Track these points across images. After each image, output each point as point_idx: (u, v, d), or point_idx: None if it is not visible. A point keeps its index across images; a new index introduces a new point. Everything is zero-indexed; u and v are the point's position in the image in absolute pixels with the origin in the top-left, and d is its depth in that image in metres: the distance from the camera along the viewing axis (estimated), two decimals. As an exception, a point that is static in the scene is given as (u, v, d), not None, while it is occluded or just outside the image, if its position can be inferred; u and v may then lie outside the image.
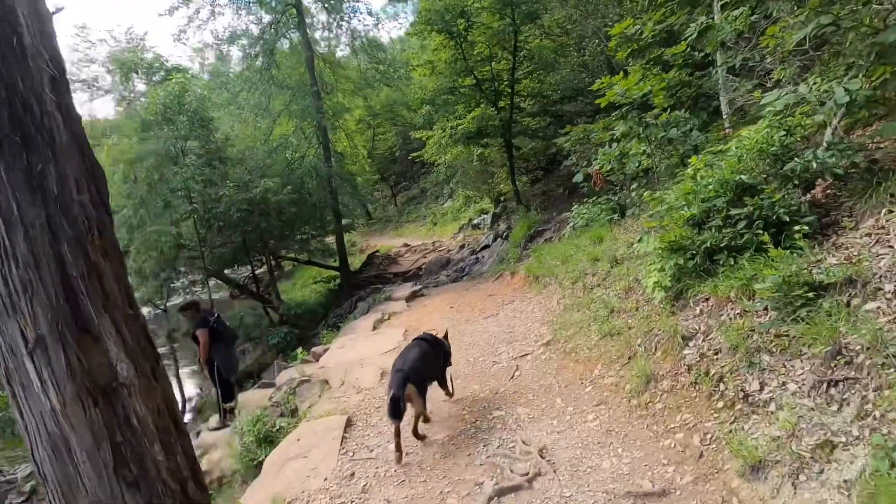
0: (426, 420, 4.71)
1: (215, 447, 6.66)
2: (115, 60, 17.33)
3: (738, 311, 3.91)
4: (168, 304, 12.52)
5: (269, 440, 5.75)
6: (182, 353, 13.39)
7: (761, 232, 4.08)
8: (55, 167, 1.66)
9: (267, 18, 15.65)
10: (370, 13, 25.37)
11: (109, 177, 12.86)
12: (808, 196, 4.52)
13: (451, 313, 8.99)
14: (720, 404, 3.44)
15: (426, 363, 4.68)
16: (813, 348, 3.07)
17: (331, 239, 16.50)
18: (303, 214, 14.34)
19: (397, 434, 4.21)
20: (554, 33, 14.34)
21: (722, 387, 3.51)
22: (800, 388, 2.98)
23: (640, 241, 5.97)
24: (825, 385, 2.82)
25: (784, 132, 4.60)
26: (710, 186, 4.64)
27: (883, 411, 2.52)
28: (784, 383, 3.10)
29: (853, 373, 2.75)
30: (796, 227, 3.83)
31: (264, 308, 14.58)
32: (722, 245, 4.38)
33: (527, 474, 3.55)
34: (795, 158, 4.46)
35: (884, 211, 3.66)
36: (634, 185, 7.69)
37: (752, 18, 6.38)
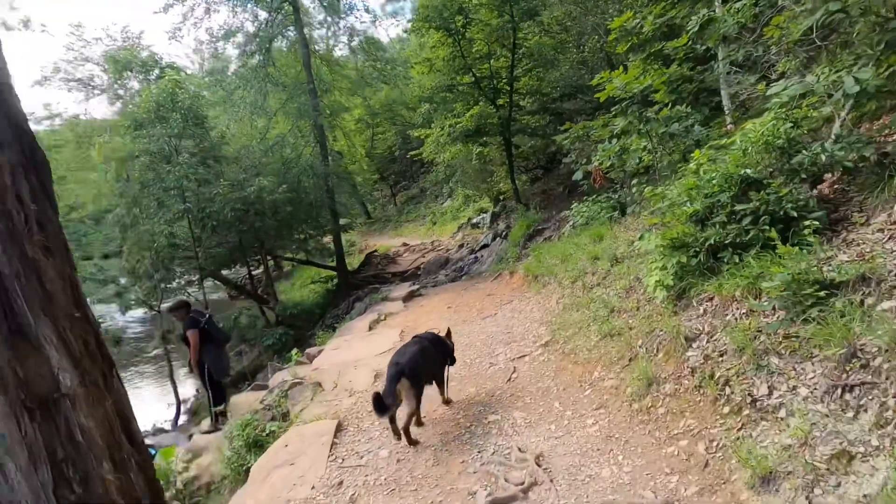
0: (419, 423, 4.54)
1: (206, 451, 6.50)
2: (108, 58, 17.15)
3: (744, 311, 3.73)
4: (163, 304, 12.32)
5: (259, 445, 5.57)
6: (177, 355, 13.22)
7: (768, 228, 3.90)
8: (-17, 155, 1.48)
9: (263, 15, 15.49)
10: (367, 10, 25.14)
11: (102, 175, 12.73)
12: (815, 191, 4.35)
13: (449, 313, 8.81)
14: (726, 409, 3.25)
15: (425, 361, 4.53)
16: (825, 350, 2.88)
17: (329, 239, 16.32)
18: (299, 214, 14.16)
19: (392, 421, 4.21)
20: (553, 30, 14.19)
21: (728, 391, 3.32)
22: (812, 392, 2.79)
23: (640, 238, 5.78)
24: (840, 390, 2.63)
25: (791, 124, 4.42)
26: (714, 181, 4.46)
27: (904, 419, 2.34)
28: (794, 387, 2.92)
29: (870, 377, 2.57)
30: (806, 223, 3.65)
31: (260, 308, 14.40)
32: (726, 242, 4.21)
33: (522, 484, 3.36)
34: (803, 151, 4.28)
35: (896, 206, 3.48)
36: (635, 182, 7.51)
37: (756, 10, 6.21)
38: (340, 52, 18.90)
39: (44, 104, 44.70)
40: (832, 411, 2.62)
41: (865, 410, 2.49)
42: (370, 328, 9.05)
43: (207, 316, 7.44)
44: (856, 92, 4.08)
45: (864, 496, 2.25)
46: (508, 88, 13.63)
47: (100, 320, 13.17)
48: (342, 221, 17.50)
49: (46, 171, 1.69)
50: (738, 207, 4.18)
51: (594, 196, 8.88)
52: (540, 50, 13.67)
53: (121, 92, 18.57)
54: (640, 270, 5.61)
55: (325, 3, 16.63)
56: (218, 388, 7.46)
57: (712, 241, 4.26)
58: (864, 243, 3.49)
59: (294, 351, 8.88)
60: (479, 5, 12.76)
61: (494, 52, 13.62)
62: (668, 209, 5.11)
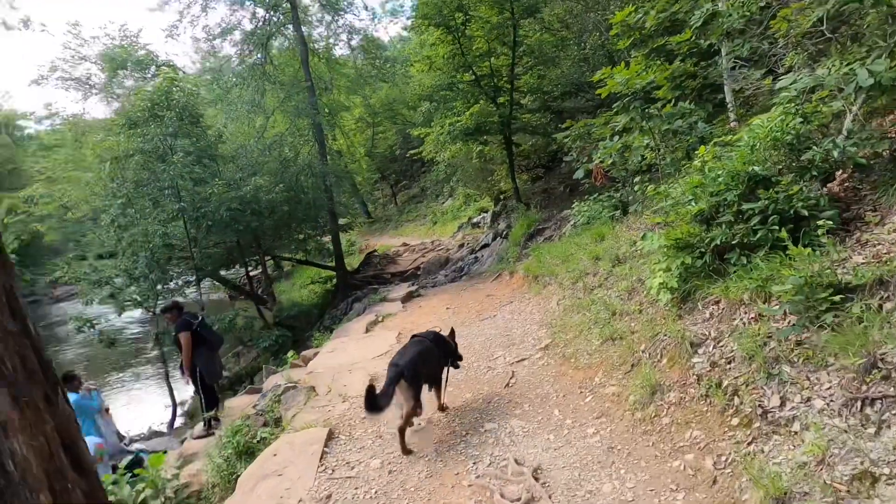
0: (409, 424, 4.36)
1: (198, 457, 6.34)
2: (104, 57, 17.00)
3: (753, 316, 3.54)
4: (158, 305, 12.14)
5: (250, 452, 5.40)
6: (175, 356, 13.06)
7: (777, 228, 3.71)
8: None
9: (261, 13, 15.32)
10: (366, 8, 25.01)
11: (97, 174, 12.56)
12: (825, 189, 4.15)
13: (448, 315, 8.64)
14: (735, 421, 3.06)
15: (425, 362, 4.39)
16: (841, 359, 2.69)
17: (328, 238, 16.16)
18: (297, 213, 13.99)
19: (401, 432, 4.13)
20: (554, 27, 13.99)
21: (736, 401, 3.13)
22: (828, 405, 2.60)
23: (643, 238, 5.59)
24: (859, 403, 2.44)
25: (800, 119, 4.22)
26: (720, 179, 4.26)
27: (931, 436, 2.15)
28: (809, 399, 2.72)
29: (892, 389, 2.38)
30: (819, 223, 3.45)
31: (258, 309, 14.23)
32: (733, 242, 4.02)
33: (519, 500, 3.17)
34: (814, 147, 4.08)
35: (914, 204, 3.29)
36: (637, 181, 7.32)
37: (763, 2, 6.02)
38: (341, 51, 18.76)
39: (45, 104, 44.61)
40: (851, 426, 2.42)
41: (889, 426, 2.30)
42: (367, 330, 8.88)
43: (200, 318, 7.26)
44: (869, 85, 3.90)
45: (891, 524, 2.06)
46: (509, 86, 13.44)
47: (98, 321, 13.04)
48: (342, 221, 17.32)
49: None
50: (745, 206, 3.99)
51: (595, 195, 8.70)
52: (541, 47, 13.47)
53: (119, 91, 18.42)
54: (642, 271, 5.43)
55: (323, 1, 16.46)
56: (210, 393, 7.28)
57: (718, 242, 4.07)
58: (879, 244, 3.30)
59: (290, 353, 8.73)
60: (478, 2, 12.57)
61: (495, 50, 13.43)
62: (671, 208, 4.93)
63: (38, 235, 27.10)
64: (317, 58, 16.74)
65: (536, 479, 3.36)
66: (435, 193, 28.56)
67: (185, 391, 12.83)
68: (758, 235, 3.83)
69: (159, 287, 11.77)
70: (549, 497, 3.18)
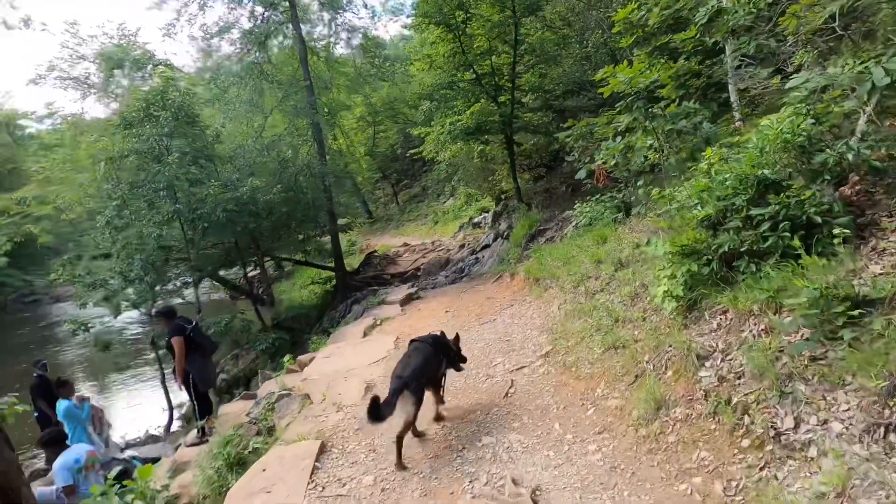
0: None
1: (190, 466, 6.20)
2: (102, 56, 16.87)
3: (763, 328, 3.36)
4: (154, 308, 11.98)
5: (241, 462, 5.25)
6: (168, 360, 12.93)
7: (789, 235, 3.53)
8: None
9: (259, 11, 15.15)
10: (366, 6, 24.82)
11: (91, 175, 12.41)
12: (837, 193, 3.97)
13: (447, 318, 8.47)
14: (746, 443, 2.88)
15: (428, 371, 4.34)
16: (860, 379, 2.52)
17: (327, 239, 16.00)
18: (296, 214, 13.83)
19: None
20: (556, 25, 13.80)
21: (747, 420, 2.95)
22: (847, 429, 2.43)
23: (647, 243, 5.40)
24: (882, 429, 2.27)
25: (812, 120, 4.03)
26: (728, 183, 4.08)
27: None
28: (826, 421, 2.55)
29: (919, 415, 2.21)
30: (835, 231, 3.27)
31: (256, 310, 14.08)
32: (742, 250, 3.84)
33: (516, 524, 3.01)
34: (826, 150, 3.90)
35: (934, 210, 3.10)
36: (640, 182, 7.13)
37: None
38: (341, 50, 18.60)
39: (46, 103, 44.55)
40: (874, 455, 2.25)
41: (916, 457, 2.13)
42: (365, 334, 8.72)
43: (194, 323, 7.11)
44: (885, 84, 3.72)
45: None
46: (510, 85, 13.25)
47: (97, 322, 12.89)
48: (342, 221, 17.15)
49: None
50: (754, 212, 3.81)
51: (598, 196, 8.53)
52: (542, 45, 13.28)
53: (118, 91, 18.30)
54: (645, 276, 5.25)
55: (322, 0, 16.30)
56: (204, 400, 7.13)
57: (726, 249, 3.89)
58: (897, 253, 3.12)
59: (287, 357, 8.57)
60: (479, 0, 12.39)
61: (496, 49, 13.25)
62: (676, 212, 4.75)
63: (34, 237, 26.94)
64: (316, 57, 16.57)
65: (535, 502, 3.19)
66: (436, 193, 28.40)
67: (182, 394, 12.70)
68: (768, 242, 3.65)
69: (157, 288, 11.62)
70: (549, 521, 3.01)
